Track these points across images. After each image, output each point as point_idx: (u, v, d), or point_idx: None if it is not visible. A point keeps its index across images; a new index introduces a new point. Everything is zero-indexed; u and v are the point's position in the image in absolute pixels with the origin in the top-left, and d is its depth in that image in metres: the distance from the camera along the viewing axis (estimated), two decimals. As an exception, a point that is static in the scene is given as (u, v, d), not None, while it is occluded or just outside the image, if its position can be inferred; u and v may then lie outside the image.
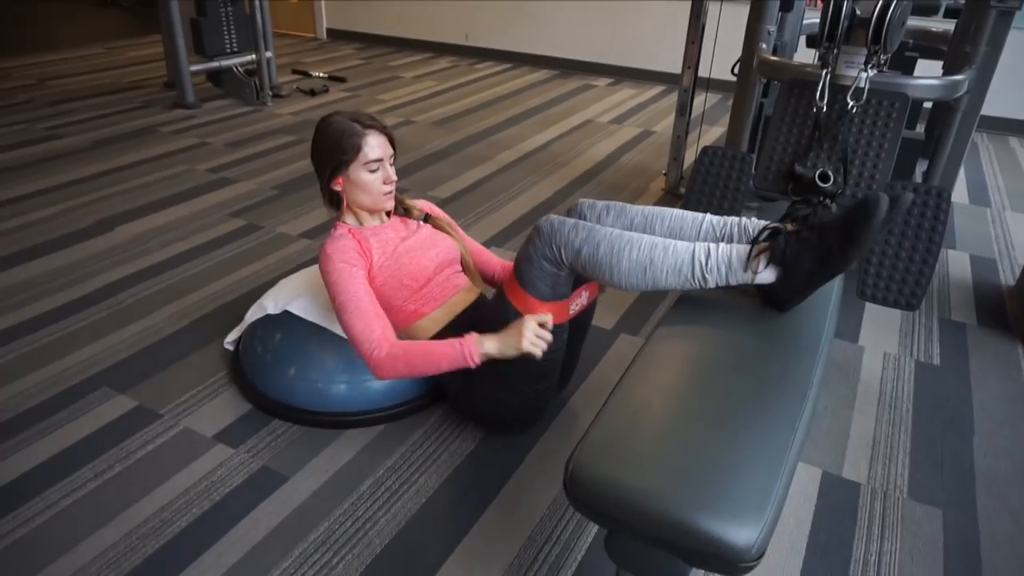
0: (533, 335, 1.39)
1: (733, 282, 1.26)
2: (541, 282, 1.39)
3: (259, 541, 1.33)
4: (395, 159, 1.58)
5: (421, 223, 1.70)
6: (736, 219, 1.43)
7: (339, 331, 1.63)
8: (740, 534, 0.82)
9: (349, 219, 1.61)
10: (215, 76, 4.22)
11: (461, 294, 1.63)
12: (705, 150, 1.91)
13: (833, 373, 1.87)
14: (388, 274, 1.56)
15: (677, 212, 1.48)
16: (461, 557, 1.31)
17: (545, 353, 1.39)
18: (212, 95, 4.21)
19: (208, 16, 3.90)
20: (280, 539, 1.34)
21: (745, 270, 1.25)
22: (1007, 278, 2.42)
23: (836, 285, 1.39)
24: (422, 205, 1.75)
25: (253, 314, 1.78)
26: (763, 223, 1.37)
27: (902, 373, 1.88)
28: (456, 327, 1.56)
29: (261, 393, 1.67)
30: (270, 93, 4.12)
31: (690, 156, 3.31)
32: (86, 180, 2.95)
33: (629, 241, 1.30)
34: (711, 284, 1.28)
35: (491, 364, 1.41)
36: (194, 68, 3.92)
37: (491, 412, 1.57)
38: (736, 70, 2.63)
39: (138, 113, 3.86)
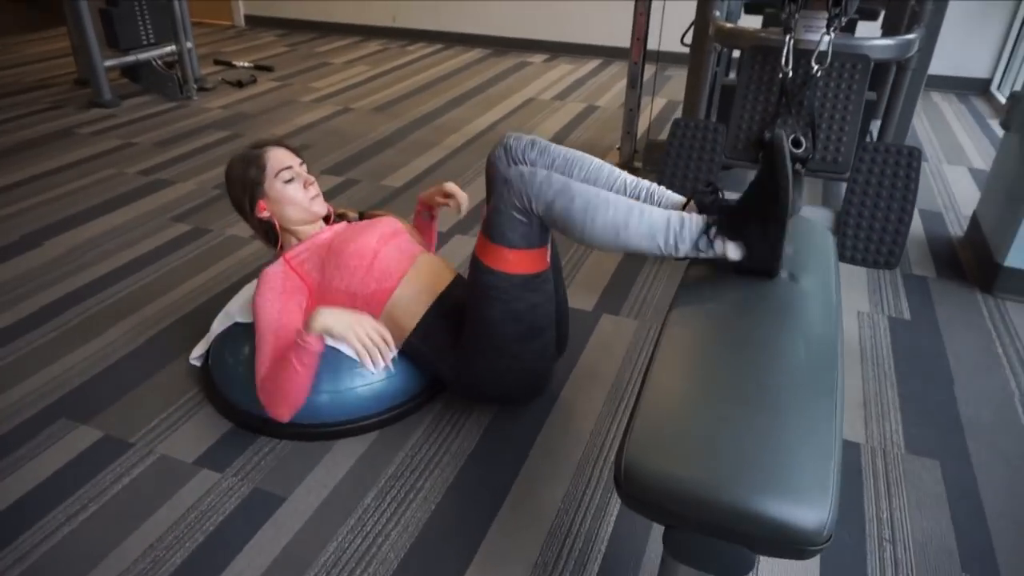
0: (365, 333, 1.37)
1: (703, 256, 1.26)
2: (513, 232, 1.33)
3: (264, 571, 1.24)
4: (307, 166, 1.60)
5: (358, 220, 1.71)
6: (647, 184, 1.46)
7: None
8: (809, 516, 0.80)
9: (290, 244, 1.58)
10: (131, 71, 3.94)
11: (429, 268, 1.57)
12: (677, 122, 1.89)
13: (814, 336, 1.90)
14: (332, 265, 1.51)
15: (596, 162, 1.50)
16: (483, 561, 1.26)
17: (533, 309, 1.37)
18: (131, 91, 3.93)
19: (119, 6, 3.62)
20: (288, 566, 1.25)
21: (712, 245, 1.24)
22: (955, 230, 2.51)
23: (832, 250, 1.39)
24: (387, 220, 1.67)
25: (220, 324, 1.66)
26: (674, 197, 1.44)
27: (878, 330, 1.93)
28: (444, 310, 1.50)
29: (240, 410, 1.56)
30: (195, 86, 3.88)
31: (641, 128, 3.30)
32: (3, 191, 2.70)
33: (605, 200, 1.27)
34: (681, 254, 1.27)
35: (480, 334, 1.39)
36: (109, 63, 3.64)
37: (495, 386, 1.50)
38: (686, 40, 2.62)
39: (50, 115, 3.57)
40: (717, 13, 2.29)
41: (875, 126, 2.55)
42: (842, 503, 1.38)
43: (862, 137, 2.45)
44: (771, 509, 0.81)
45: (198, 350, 1.71)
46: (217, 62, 4.61)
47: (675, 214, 1.27)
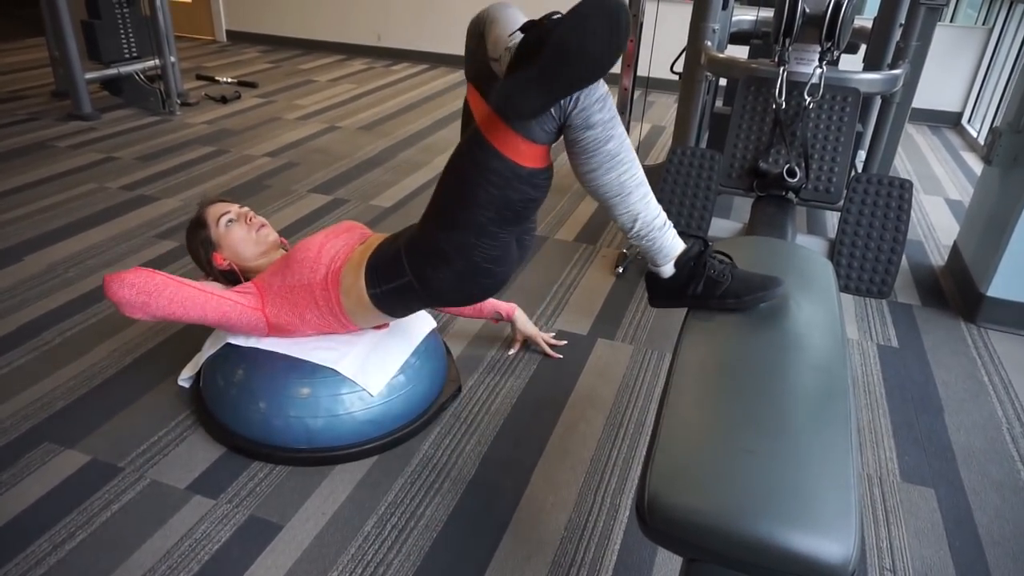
0: None
1: (650, 256, 1.28)
2: (539, 126, 1.18)
3: (263, 601, 1.21)
4: (247, 207, 1.67)
5: None
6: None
7: (314, 359, 1.51)
8: (834, 550, 0.80)
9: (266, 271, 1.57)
10: (112, 84, 3.87)
11: (376, 239, 1.53)
12: (675, 150, 1.91)
13: (806, 362, 1.92)
14: (287, 268, 1.50)
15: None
16: (488, 593, 1.24)
17: (527, 202, 1.27)
18: (111, 104, 3.87)
19: (102, 18, 3.57)
20: (287, 596, 1.22)
21: (668, 263, 1.27)
22: (936, 259, 2.57)
23: (833, 279, 1.41)
24: (343, 223, 1.67)
25: (211, 345, 1.62)
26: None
27: (868, 358, 1.96)
28: (381, 249, 1.43)
29: (234, 433, 1.52)
30: (178, 101, 3.83)
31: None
32: (-22, 205, 2.63)
33: (632, 161, 1.21)
34: (640, 244, 1.27)
35: (461, 208, 1.27)
36: (90, 76, 3.58)
37: (464, 264, 1.32)
38: (676, 67, 2.66)
39: (27, 127, 3.49)
40: (709, 43, 2.34)
41: (860, 157, 2.61)
42: (843, 531, 1.39)
43: (850, 168, 2.50)
44: (797, 543, 0.80)
45: (187, 372, 1.67)
46: (200, 77, 4.56)
47: (664, 215, 1.28)
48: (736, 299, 1.23)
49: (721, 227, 1.89)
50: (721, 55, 2.16)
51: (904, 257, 2.57)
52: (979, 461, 1.60)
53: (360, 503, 1.41)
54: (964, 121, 4.27)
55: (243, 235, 1.61)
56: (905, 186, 1.75)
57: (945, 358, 1.98)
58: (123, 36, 3.70)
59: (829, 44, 1.87)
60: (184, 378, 1.67)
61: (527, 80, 1.10)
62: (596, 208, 2.87)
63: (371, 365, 1.54)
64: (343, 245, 1.52)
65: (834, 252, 1.80)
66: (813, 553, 0.80)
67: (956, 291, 2.31)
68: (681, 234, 1.32)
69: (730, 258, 1.30)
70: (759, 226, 1.76)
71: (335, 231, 1.58)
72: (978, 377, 1.90)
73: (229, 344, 1.57)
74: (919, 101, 4.31)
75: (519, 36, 1.15)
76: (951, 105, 4.33)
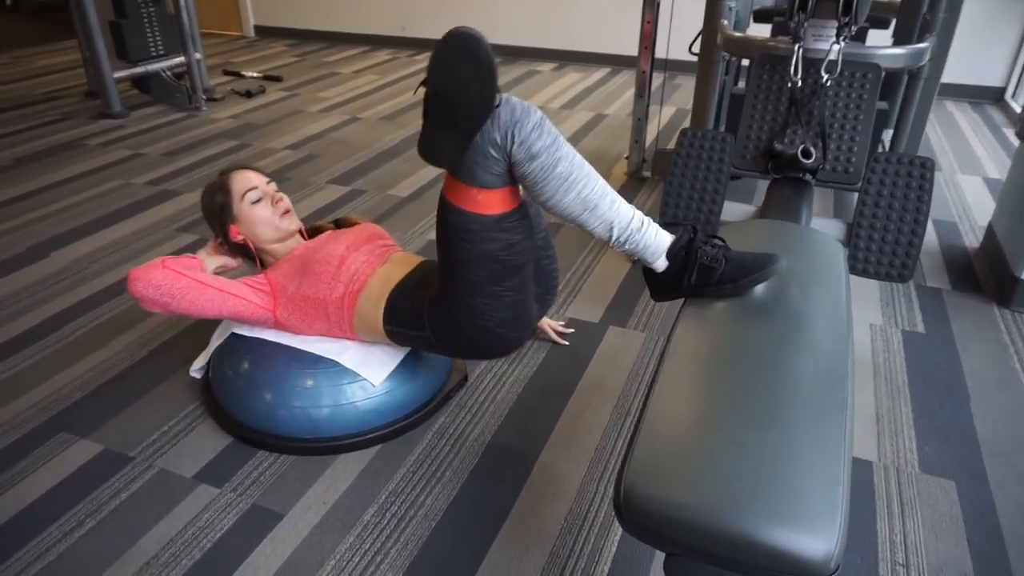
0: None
1: (639, 257, 1.26)
2: (484, 171, 1.17)
3: (261, 589, 1.22)
4: (274, 183, 1.63)
5: (334, 229, 1.70)
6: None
7: (317, 350, 1.52)
8: (815, 546, 0.77)
9: (268, 264, 1.60)
10: (141, 82, 3.96)
11: (398, 262, 1.53)
12: (684, 132, 1.86)
13: (825, 350, 1.86)
14: (302, 274, 1.49)
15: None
16: (484, 583, 1.23)
17: (509, 249, 1.25)
18: (140, 102, 3.95)
19: (129, 18, 3.64)
20: (284, 584, 1.23)
21: (659, 258, 1.25)
22: (971, 240, 2.47)
23: (843, 262, 1.35)
24: (363, 227, 1.67)
25: (219, 336, 1.64)
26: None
27: (891, 344, 1.89)
28: (407, 288, 1.44)
29: (240, 423, 1.54)
30: (203, 97, 3.89)
31: (649, 137, 3.28)
32: (11, 202, 2.71)
33: (587, 175, 1.19)
34: (624, 249, 1.25)
35: (452, 275, 1.29)
36: (118, 75, 3.66)
37: (473, 327, 1.33)
38: (694, 48, 2.59)
39: (60, 126, 3.59)
40: (725, 22, 2.27)
41: (888, 136, 2.51)
42: (854, 524, 1.35)
43: (874, 147, 2.41)
44: (776, 538, 0.77)
45: (198, 363, 1.70)
46: (226, 72, 4.63)
47: (639, 215, 1.24)
48: (732, 283, 1.19)
49: (734, 211, 1.84)
50: (736, 34, 2.09)
51: (936, 239, 2.47)
52: (1005, 452, 1.53)
53: (361, 492, 1.41)
54: (1008, 96, 4.08)
55: (266, 217, 1.57)
56: (927, 165, 1.67)
57: (974, 344, 1.89)
58: (150, 35, 3.77)
59: (846, 19, 1.79)
60: (195, 369, 1.70)
61: (431, 133, 1.14)
62: (615, 194, 2.82)
63: (373, 357, 1.54)
64: (364, 262, 1.51)
65: (851, 235, 1.73)
66: (794, 549, 0.77)
67: (989, 274, 2.21)
68: (670, 224, 1.29)
69: (723, 241, 1.26)
70: (772, 209, 1.70)
71: (357, 240, 1.56)
72: (1009, 364, 1.82)
73: (234, 334, 1.59)
74: (959, 76, 4.14)
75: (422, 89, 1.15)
76: (994, 80, 4.14)
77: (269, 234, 1.58)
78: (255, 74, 4.56)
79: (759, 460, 0.86)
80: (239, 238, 1.58)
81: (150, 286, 1.36)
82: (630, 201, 2.77)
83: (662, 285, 1.29)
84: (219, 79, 4.50)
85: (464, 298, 1.30)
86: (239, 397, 1.54)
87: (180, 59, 3.89)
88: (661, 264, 1.27)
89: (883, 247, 1.70)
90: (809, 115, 1.87)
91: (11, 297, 2.08)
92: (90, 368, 1.78)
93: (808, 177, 1.87)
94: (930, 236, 2.48)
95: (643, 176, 2.97)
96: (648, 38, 2.74)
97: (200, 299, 1.41)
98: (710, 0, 2.33)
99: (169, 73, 3.88)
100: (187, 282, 1.40)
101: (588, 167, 1.20)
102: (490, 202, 1.20)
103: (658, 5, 2.68)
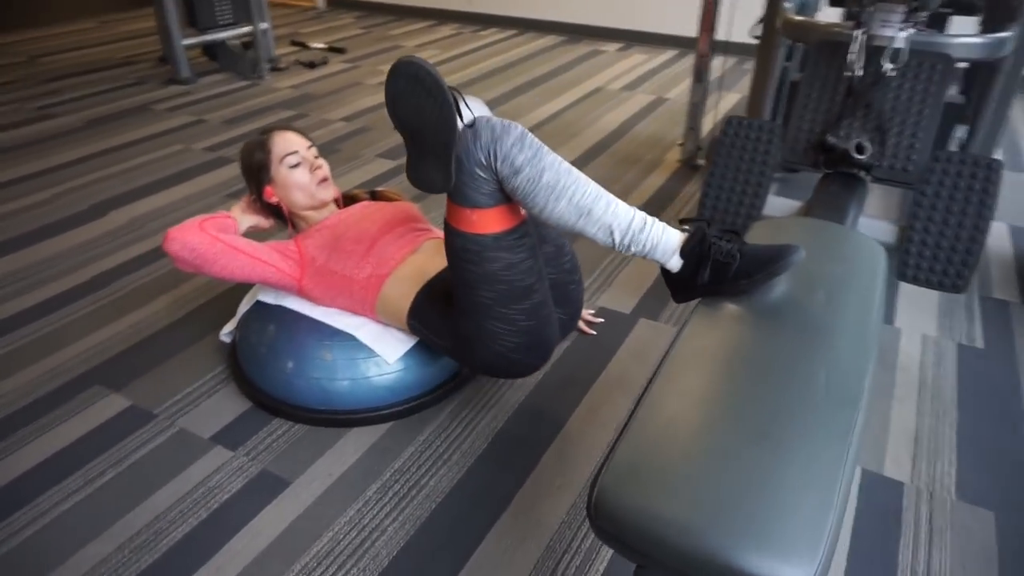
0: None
1: (650, 259, 1.22)
2: (477, 192, 1.18)
3: (258, 554, 1.25)
4: (315, 148, 1.62)
5: (369, 201, 1.70)
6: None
7: (336, 323, 1.53)
8: (791, 574, 0.72)
9: (300, 229, 1.61)
10: (210, 49, 4.07)
11: (430, 252, 1.52)
12: (730, 121, 1.77)
13: (867, 358, 1.75)
14: (332, 249, 1.50)
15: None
16: (474, 569, 1.22)
17: (511, 268, 1.25)
18: (208, 69, 4.07)
19: (201, -14, 3.74)
20: (281, 552, 1.25)
21: (671, 256, 1.21)
22: (1048, 250, 2.28)
23: (882, 268, 1.26)
24: (398, 205, 1.67)
25: (246, 303, 1.68)
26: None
27: (943, 358, 1.77)
28: (437, 290, 1.43)
29: (260, 390, 1.58)
30: (267, 66, 3.97)
31: (708, 124, 3.16)
32: (79, 162, 2.84)
33: (576, 181, 1.18)
34: (631, 253, 1.22)
35: (462, 297, 1.30)
36: (187, 42, 3.77)
37: (489, 351, 1.34)
38: (754, 32, 2.47)
39: (132, 90, 3.73)
40: (788, 4, 2.14)
41: (963, 132, 2.33)
42: (872, 547, 1.27)
43: (942, 144, 2.25)
44: (749, 562, 0.73)
45: (228, 327, 1.74)
46: (293, 43, 4.70)
47: (640, 214, 1.20)
48: (748, 279, 1.13)
49: (778, 206, 1.74)
50: (796, 17, 1.97)
51: (1011, 247, 2.29)
52: (1054, 483, 1.41)
53: (367, 467, 1.42)
54: (1114, 94, 3.73)
55: (303, 183, 1.56)
56: (992, 167, 1.54)
57: (1036, 363, 1.75)
58: (219, 4, 3.86)
59: (916, 3, 1.66)
60: (225, 333, 1.74)
61: (414, 161, 1.18)
62: (665, 181, 2.74)
63: (390, 334, 1.54)
64: (395, 246, 1.51)
65: (903, 238, 1.61)
66: (767, 575, 0.72)
67: (1064, 288, 2.04)
68: (687, 221, 1.23)
69: (739, 235, 1.19)
70: (816, 206, 1.61)
71: (391, 221, 1.56)
72: (1073, 387, 1.67)
73: (259, 301, 1.62)
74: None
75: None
76: (1099, 76, 3.79)
77: (303, 200, 1.58)
78: (320, 45, 4.63)
79: (745, 476, 0.81)
80: (273, 199, 1.59)
81: (186, 247, 1.39)
82: (679, 189, 2.71)
83: (679, 285, 1.24)
84: (286, 49, 4.58)
85: (477, 321, 1.31)
86: (260, 364, 1.57)
87: (247, 28, 3.97)
88: (675, 263, 1.22)
89: (937, 253, 1.58)
90: (867, 107, 1.75)
91: (69, 252, 2.19)
92: (131, 324, 1.85)
93: (862, 174, 1.76)
94: (1003, 243, 2.31)
95: (696, 164, 2.86)
96: (709, 19, 2.62)
97: (231, 264, 1.43)
98: (774, -20, 2.20)
99: (236, 42, 3.97)
100: (221, 247, 1.42)
101: (577, 174, 1.19)
102: (485, 221, 1.21)
103: (723, -15, 2.56)
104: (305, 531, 1.29)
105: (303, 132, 1.64)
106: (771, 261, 1.11)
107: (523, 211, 1.27)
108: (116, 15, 5.55)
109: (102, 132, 3.15)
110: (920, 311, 1.94)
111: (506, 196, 1.21)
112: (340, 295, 1.51)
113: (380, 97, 3.69)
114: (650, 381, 0.99)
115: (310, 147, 1.61)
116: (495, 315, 1.29)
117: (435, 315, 1.42)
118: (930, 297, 2.00)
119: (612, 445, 0.88)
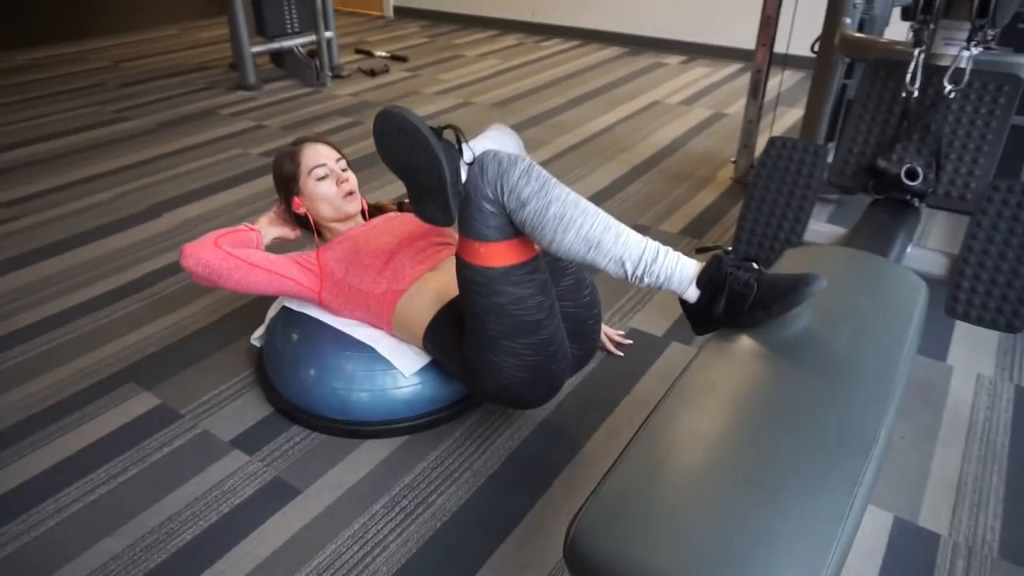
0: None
1: (665, 290, 1.18)
2: (484, 226, 1.18)
3: (262, 561, 1.26)
4: (344, 160, 1.66)
5: (395, 212, 1.70)
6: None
7: (356, 334, 1.53)
8: (772, 638, 0.67)
9: (326, 238, 1.63)
10: (277, 57, 4.21)
11: (449, 271, 1.51)
12: (773, 141, 1.70)
13: (914, 396, 1.65)
14: (350, 262, 1.51)
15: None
16: (472, 595, 1.20)
17: (518, 303, 1.23)
18: (275, 76, 4.20)
19: (269, -4, 3.87)
20: (284, 560, 1.26)
21: (688, 287, 1.17)
22: None
23: (920, 304, 1.18)
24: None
25: (274, 309, 1.71)
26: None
27: (998, 400, 1.64)
28: (455, 313, 1.41)
29: (282, 396, 1.60)
30: (329, 74, 4.07)
31: (764, 141, 3.05)
32: (144, 164, 2.98)
33: (584, 212, 1.15)
34: (645, 285, 1.18)
35: (471, 327, 1.30)
36: (255, 49, 3.91)
37: (495, 382, 1.33)
38: (816, 48, 2.37)
39: (202, 95, 3.89)
40: (848, 20, 2.04)
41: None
42: (897, 603, 1.18)
43: (1011, 174, 2.10)
44: (727, 620, 0.68)
45: (259, 331, 1.78)
46: (358, 51, 4.82)
47: (652, 244, 1.17)
48: (764, 310, 1.07)
49: (818, 232, 1.65)
50: (854, 34, 1.88)
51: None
52: (1115, 548, 1.28)
53: (377, 481, 1.42)
54: None
55: (329, 196, 1.59)
56: (1058, 198, 1.42)
57: (1106, 413, 1.60)
58: (287, 13, 3.98)
59: (982, 21, 1.55)
60: (255, 337, 1.78)
61: (415, 199, 1.21)
62: (714, 199, 2.66)
63: (408, 347, 1.54)
64: (412, 260, 1.52)
65: (954, 271, 1.51)
66: (745, 636, 0.67)
67: None
68: (701, 251, 1.19)
69: (758, 265, 1.13)
70: (860, 234, 1.52)
71: (412, 235, 1.58)
72: None
73: (285, 307, 1.65)
74: None
75: None
76: None
77: (329, 212, 1.61)
78: (383, 53, 4.72)
79: (734, 526, 0.76)
80: (301, 210, 1.62)
81: (200, 263, 1.43)
82: (727, 209, 2.62)
83: (697, 316, 1.19)
84: (350, 57, 4.69)
85: (483, 351, 1.30)
86: (281, 370, 1.59)
87: (313, 37, 4.08)
88: (693, 294, 1.17)
89: (992, 289, 1.47)
90: (924, 130, 1.65)
91: (121, 252, 2.28)
92: (169, 325, 1.91)
93: (914, 201, 1.65)
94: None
95: (748, 183, 2.76)
96: (767, 33, 2.53)
97: (246, 279, 1.46)
98: (833, -5, 2.11)
99: (302, 50, 4.09)
100: (235, 263, 1.45)
101: (585, 205, 1.17)
102: (494, 255, 1.20)
103: (781, -2, 2.47)
104: (310, 541, 1.29)
105: (334, 144, 1.67)
106: (788, 292, 1.05)
107: (536, 246, 1.25)
108: (195, 22, 5.82)
109: (169, 135, 3.29)
110: (976, 348, 1.81)
111: (516, 230, 1.20)
112: (358, 308, 1.52)
113: (436, 106, 3.73)
114: (650, 415, 0.95)
115: (339, 160, 1.63)
116: (501, 347, 1.28)
117: (448, 338, 1.41)
118: (989, 333, 1.86)
119: (599, 482, 0.85)
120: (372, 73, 4.26)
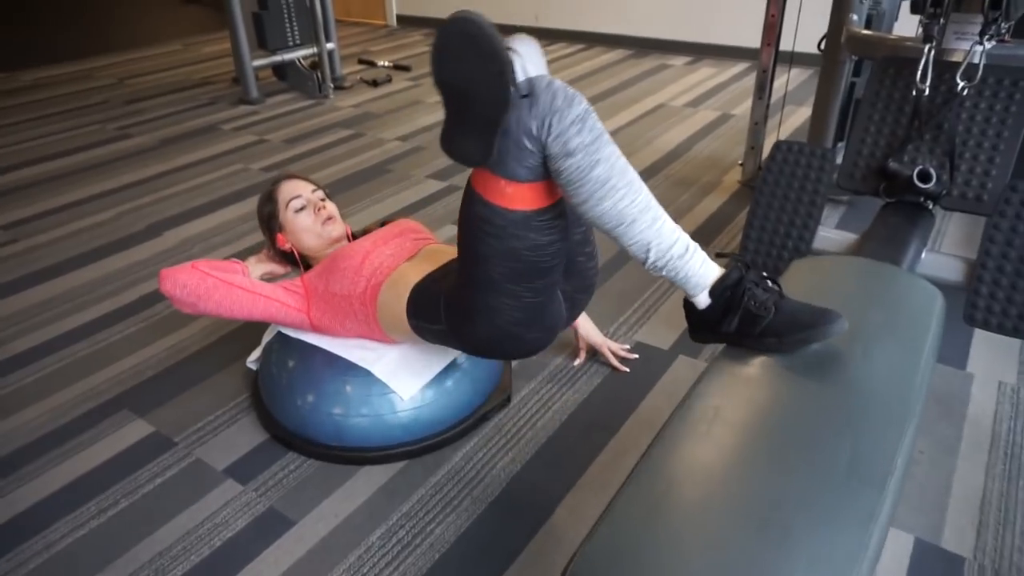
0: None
1: (677, 286, 1.11)
2: (518, 164, 1.03)
3: (254, 598, 1.21)
4: (322, 191, 1.67)
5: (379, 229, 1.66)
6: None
7: (352, 357, 1.49)
8: None
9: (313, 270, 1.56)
10: (279, 69, 4.19)
11: (428, 255, 1.46)
12: (778, 145, 1.64)
13: (932, 407, 1.58)
14: (328, 270, 1.48)
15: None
16: (471, 631, 1.15)
17: (536, 250, 1.11)
18: (277, 89, 4.19)
19: (270, 9, 3.86)
20: (276, 597, 1.21)
21: (702, 292, 1.10)
22: None
23: (938, 317, 1.11)
24: (398, 223, 1.65)
25: (269, 333, 1.67)
26: None
27: (1022, 410, 1.56)
28: (431, 280, 1.33)
29: (277, 422, 1.56)
30: (331, 86, 4.05)
31: (772, 143, 2.98)
32: (145, 182, 2.96)
33: (629, 184, 1.04)
34: (660, 275, 1.10)
35: (471, 267, 1.17)
36: (257, 63, 3.90)
37: (488, 327, 1.22)
38: (822, 46, 2.30)
39: (204, 110, 3.88)
40: (854, 16, 1.98)
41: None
42: (921, 635, 1.12)
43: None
44: None
45: (255, 353, 1.74)
46: (361, 61, 4.79)
47: (684, 238, 1.08)
48: (777, 339, 1.01)
49: (828, 239, 1.59)
50: (861, 31, 1.81)
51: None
52: None
53: (374, 510, 1.38)
54: None
55: (308, 225, 1.60)
56: (1082, 199, 1.35)
57: None
58: (288, 25, 3.97)
59: (996, 14, 1.49)
60: (251, 360, 1.74)
61: (450, 128, 1.04)
62: (722, 204, 2.60)
63: (406, 368, 1.49)
64: (389, 255, 1.47)
65: (972, 276, 1.44)
66: None
67: None
68: (719, 256, 1.12)
69: (779, 286, 1.07)
70: (872, 240, 1.45)
71: (386, 235, 1.54)
72: None
73: (280, 332, 1.61)
74: None
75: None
76: None
77: (313, 241, 1.60)
78: (386, 63, 4.69)
79: (738, 570, 0.70)
80: (286, 246, 1.63)
81: (177, 285, 1.40)
82: (735, 213, 2.55)
83: (701, 324, 1.13)
84: (353, 67, 4.67)
85: (480, 294, 1.18)
86: (276, 395, 1.55)
87: (314, 49, 4.06)
88: (703, 300, 1.11)
89: (1012, 295, 1.40)
90: (937, 129, 1.58)
91: (120, 273, 2.26)
92: (167, 347, 1.88)
93: (928, 204, 1.58)
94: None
95: (755, 186, 2.70)
96: (772, 32, 2.47)
97: (227, 300, 1.42)
98: (839, -9, 2.04)
99: (304, 62, 4.07)
100: (213, 282, 1.42)
101: (633, 175, 1.05)
102: (520, 197, 1.06)
103: (786, -4, 2.40)
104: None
105: (309, 178, 1.70)
106: (807, 327, 0.99)
107: (559, 190, 1.12)
108: (200, 37, 5.83)
109: (171, 152, 3.28)
110: (997, 354, 1.73)
111: (548, 172, 1.06)
112: (347, 318, 1.47)
113: (438, 116, 3.69)
114: (649, 447, 0.90)
115: (315, 191, 1.65)
116: (502, 291, 1.16)
117: (426, 303, 1.32)
118: (1010, 339, 1.79)
119: (596, 522, 0.79)
120: (374, 83, 4.23)
